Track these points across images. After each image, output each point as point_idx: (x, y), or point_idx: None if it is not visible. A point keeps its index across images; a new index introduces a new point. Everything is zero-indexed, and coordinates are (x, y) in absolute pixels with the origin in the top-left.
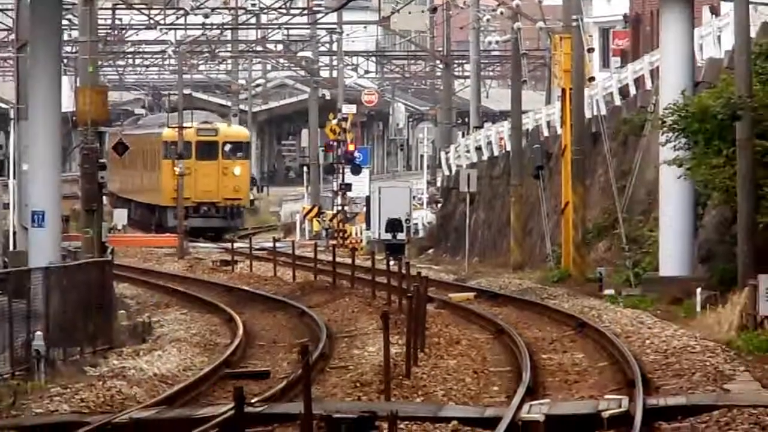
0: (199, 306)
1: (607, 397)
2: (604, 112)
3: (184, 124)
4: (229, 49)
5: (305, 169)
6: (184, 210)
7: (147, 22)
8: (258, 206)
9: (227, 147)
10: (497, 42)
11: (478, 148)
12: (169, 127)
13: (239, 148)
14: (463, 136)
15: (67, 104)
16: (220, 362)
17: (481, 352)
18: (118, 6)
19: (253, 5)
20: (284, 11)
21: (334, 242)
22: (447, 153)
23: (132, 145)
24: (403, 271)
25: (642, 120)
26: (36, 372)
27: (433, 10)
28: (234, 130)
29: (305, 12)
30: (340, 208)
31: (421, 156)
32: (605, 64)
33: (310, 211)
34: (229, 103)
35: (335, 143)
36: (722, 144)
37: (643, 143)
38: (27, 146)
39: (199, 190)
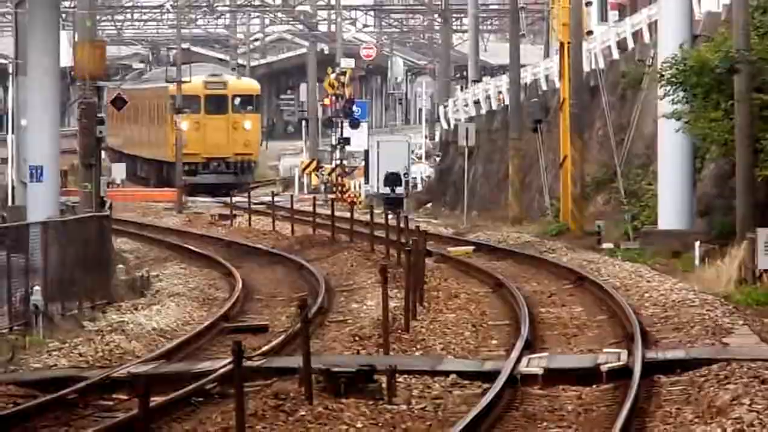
0: (198, 260)
1: (605, 350)
2: (602, 65)
3: (192, 78)
4: (228, 3)
5: (304, 123)
6: (194, 166)
7: None
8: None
9: (237, 100)
10: None
11: (477, 102)
12: (174, 81)
13: (249, 101)
14: (461, 90)
15: (66, 59)
16: (219, 316)
17: (479, 306)
18: None
19: None
20: None
21: (333, 196)
22: (445, 107)
23: (137, 99)
24: (402, 225)
25: (640, 74)
26: (34, 327)
27: None
28: (244, 83)
29: None
30: (338, 162)
31: (420, 110)
32: (603, 17)
33: (309, 165)
34: (227, 58)
35: (334, 97)
36: (720, 97)
37: (641, 97)
38: (25, 101)
39: (208, 145)
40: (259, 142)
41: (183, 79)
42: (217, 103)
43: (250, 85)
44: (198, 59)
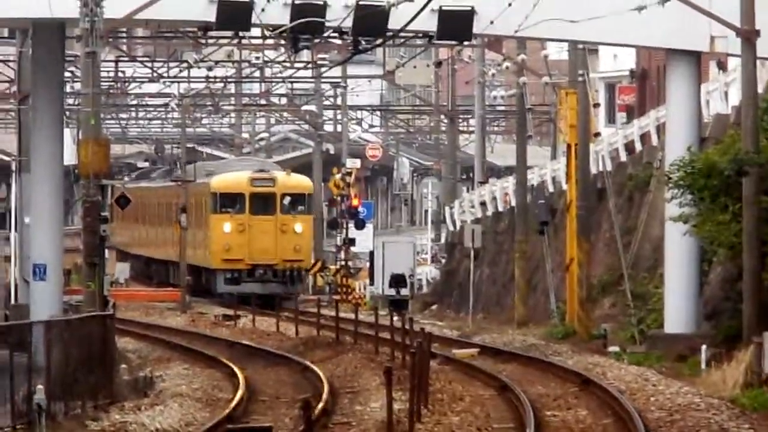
0: (202, 360)
1: None
2: (609, 167)
3: (237, 173)
4: (233, 102)
5: None
6: (237, 273)
7: (150, 75)
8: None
9: (287, 200)
10: (502, 97)
11: (483, 204)
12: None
13: (300, 201)
14: (467, 191)
15: (70, 157)
16: (223, 417)
17: (484, 409)
18: (121, 58)
19: (257, 58)
20: (288, 65)
21: (338, 297)
22: (451, 208)
23: (165, 198)
24: (407, 327)
25: (648, 176)
26: (37, 426)
27: (438, 64)
28: (294, 180)
29: (309, 66)
30: (343, 263)
31: (426, 211)
32: (611, 119)
33: (314, 265)
34: (232, 158)
35: (339, 198)
36: (728, 200)
37: (648, 199)
38: (29, 199)
39: (254, 250)
40: (312, 248)
41: (188, 179)
42: (264, 203)
43: (302, 182)
44: (202, 158)
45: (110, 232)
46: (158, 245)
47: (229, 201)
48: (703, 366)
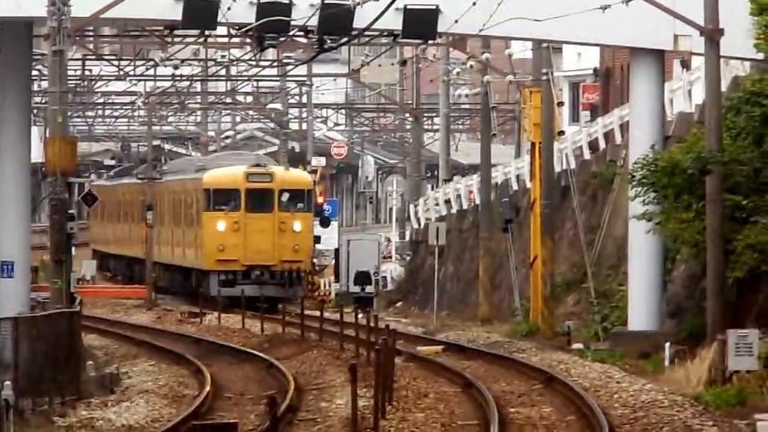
0: (168, 357)
1: None
2: (573, 165)
3: (231, 168)
4: (199, 100)
5: None
6: (232, 275)
7: (116, 73)
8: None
9: (285, 196)
10: (467, 95)
11: (447, 201)
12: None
13: (300, 197)
14: (432, 189)
15: (37, 155)
16: (188, 414)
17: (449, 406)
18: (88, 57)
19: (223, 57)
20: (254, 63)
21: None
22: (416, 206)
23: (154, 196)
24: (372, 324)
25: (611, 174)
26: (4, 422)
27: (403, 62)
28: (293, 175)
29: (275, 64)
30: None
31: (390, 209)
32: (575, 118)
33: None
34: (198, 155)
35: None
36: (692, 198)
37: (612, 197)
38: None
39: (250, 250)
40: (312, 248)
41: (154, 176)
42: (260, 200)
43: (301, 177)
44: (168, 156)
45: (88, 231)
46: (131, 243)
47: (223, 198)
48: (666, 363)
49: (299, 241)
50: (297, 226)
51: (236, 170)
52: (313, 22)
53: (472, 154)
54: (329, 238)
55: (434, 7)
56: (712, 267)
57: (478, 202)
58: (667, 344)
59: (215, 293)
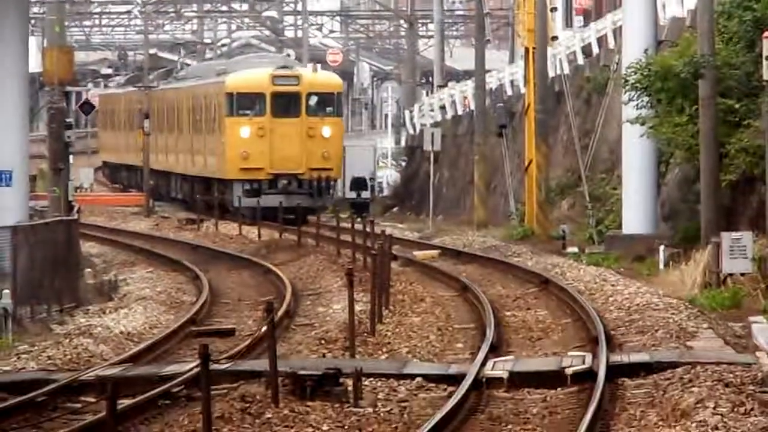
0: (165, 264)
1: (570, 353)
2: (567, 71)
3: (255, 70)
4: (195, 9)
5: None
6: (257, 184)
7: None
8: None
9: (313, 100)
10: (461, 1)
11: (442, 107)
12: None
13: (329, 101)
14: (427, 95)
15: (34, 64)
16: (186, 320)
17: (445, 310)
18: None
19: None
20: None
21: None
22: (411, 112)
23: (171, 102)
24: (368, 230)
25: (605, 79)
26: (3, 330)
27: None
28: (322, 78)
29: None
30: None
31: (386, 115)
32: (568, 23)
33: None
34: (195, 63)
35: None
36: (685, 102)
37: (605, 102)
38: None
39: (276, 158)
40: (341, 155)
41: (151, 85)
42: (287, 104)
43: (331, 80)
44: (164, 64)
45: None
46: (194, 160)
47: (247, 102)
48: (661, 266)
49: (328, 147)
50: (326, 131)
51: (261, 73)
52: None
53: (467, 61)
54: None
55: None
56: (706, 170)
57: (472, 107)
58: (662, 247)
59: (239, 204)
